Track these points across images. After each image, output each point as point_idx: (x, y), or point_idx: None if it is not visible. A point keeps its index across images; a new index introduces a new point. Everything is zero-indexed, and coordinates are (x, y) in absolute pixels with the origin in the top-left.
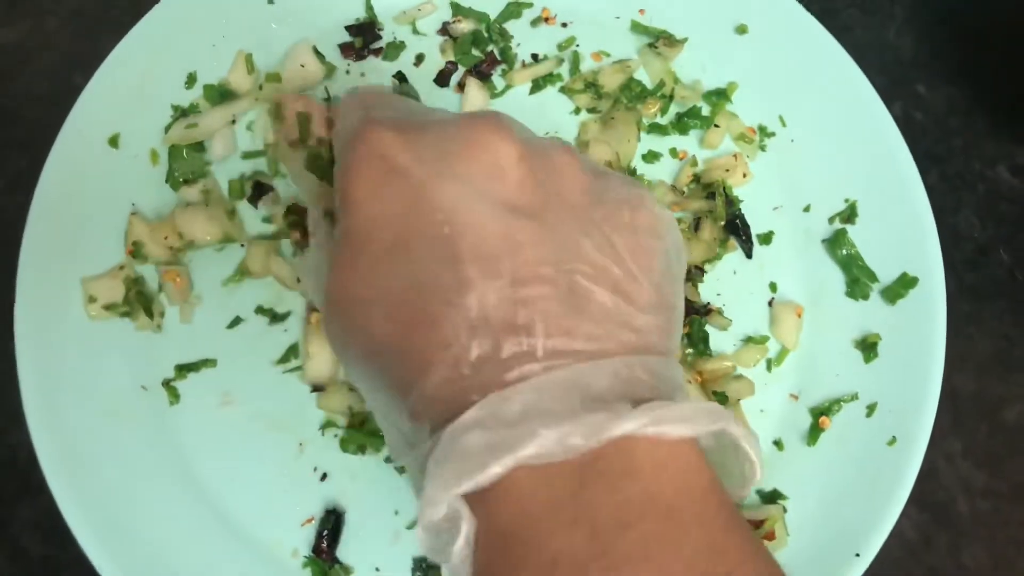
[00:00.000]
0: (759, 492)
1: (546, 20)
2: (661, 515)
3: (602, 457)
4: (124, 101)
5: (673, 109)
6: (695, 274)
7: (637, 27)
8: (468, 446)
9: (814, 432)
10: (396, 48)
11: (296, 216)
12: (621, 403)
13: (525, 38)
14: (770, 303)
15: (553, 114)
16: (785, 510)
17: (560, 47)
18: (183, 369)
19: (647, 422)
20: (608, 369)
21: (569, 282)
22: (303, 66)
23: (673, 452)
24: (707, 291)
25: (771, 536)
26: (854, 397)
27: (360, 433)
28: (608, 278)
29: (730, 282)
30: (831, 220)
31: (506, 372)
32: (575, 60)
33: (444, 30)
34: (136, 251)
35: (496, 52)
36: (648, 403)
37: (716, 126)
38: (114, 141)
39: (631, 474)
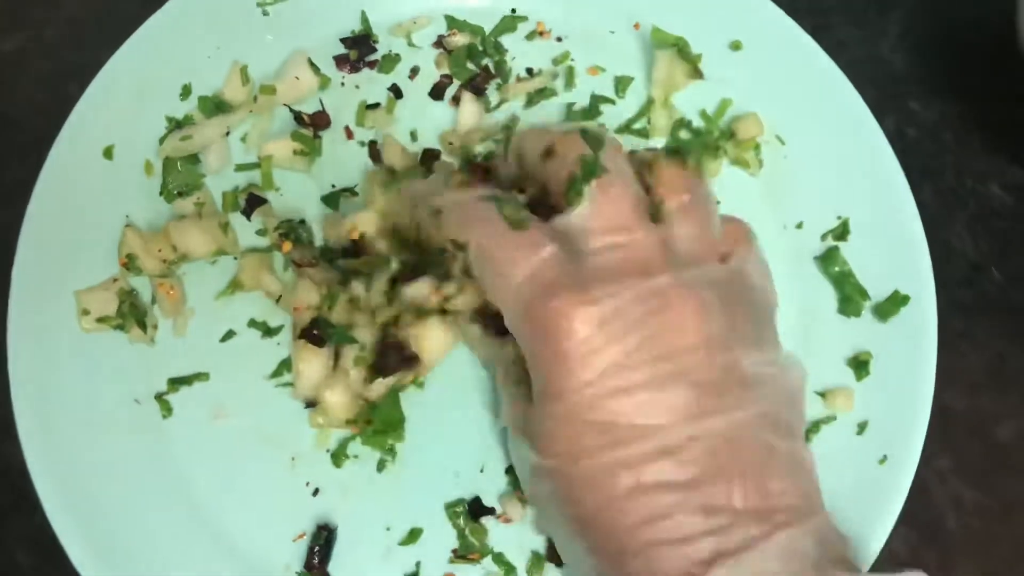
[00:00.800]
0: None
1: (541, 34)
2: None
3: None
4: (119, 112)
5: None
6: None
7: (657, 32)
8: None
9: None
10: (391, 61)
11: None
12: (835, 569)
13: (520, 52)
14: None
15: None
16: None
17: (555, 61)
18: (176, 382)
19: None
20: (812, 532)
21: (756, 441)
22: (298, 78)
23: None
24: None
25: None
26: (832, 418)
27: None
28: (782, 428)
29: None
30: (823, 237)
31: (726, 541)
32: (570, 75)
33: (439, 43)
34: (130, 263)
35: (491, 66)
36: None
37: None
38: (108, 152)
39: None
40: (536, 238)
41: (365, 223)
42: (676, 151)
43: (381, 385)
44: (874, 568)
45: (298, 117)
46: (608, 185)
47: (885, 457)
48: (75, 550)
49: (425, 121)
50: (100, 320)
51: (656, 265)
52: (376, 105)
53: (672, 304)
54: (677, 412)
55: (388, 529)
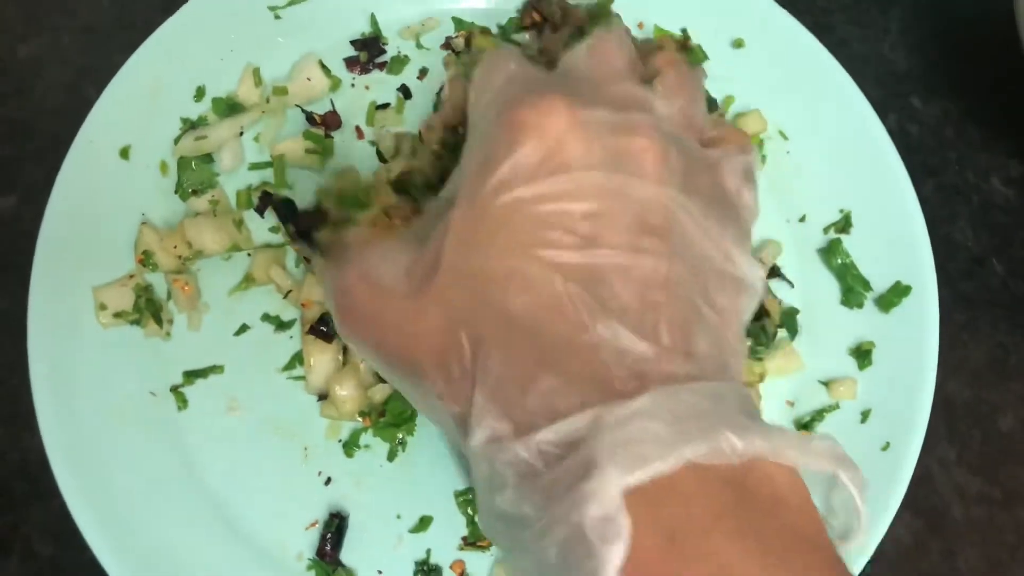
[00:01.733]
0: None
1: None
2: (815, 549)
3: (749, 477)
4: (135, 114)
5: None
6: None
7: (659, 32)
8: (648, 432)
9: None
10: (400, 62)
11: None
12: (764, 425)
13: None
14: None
15: None
16: None
17: None
18: (191, 375)
19: (799, 449)
20: (735, 390)
21: (689, 300)
22: (309, 79)
23: (803, 488)
24: None
25: None
26: (835, 407)
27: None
28: (716, 306)
29: None
30: (826, 230)
31: (648, 370)
32: None
33: (447, 44)
34: (146, 260)
35: None
36: (794, 432)
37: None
38: (125, 153)
39: (780, 502)
40: (534, 62)
41: (324, 195)
42: (684, 43)
43: (383, 389)
44: (876, 558)
45: (310, 117)
46: (606, 36)
47: (888, 444)
48: (93, 538)
49: None
50: (117, 315)
51: (636, 106)
52: (386, 105)
53: (640, 133)
54: (618, 234)
55: (399, 517)
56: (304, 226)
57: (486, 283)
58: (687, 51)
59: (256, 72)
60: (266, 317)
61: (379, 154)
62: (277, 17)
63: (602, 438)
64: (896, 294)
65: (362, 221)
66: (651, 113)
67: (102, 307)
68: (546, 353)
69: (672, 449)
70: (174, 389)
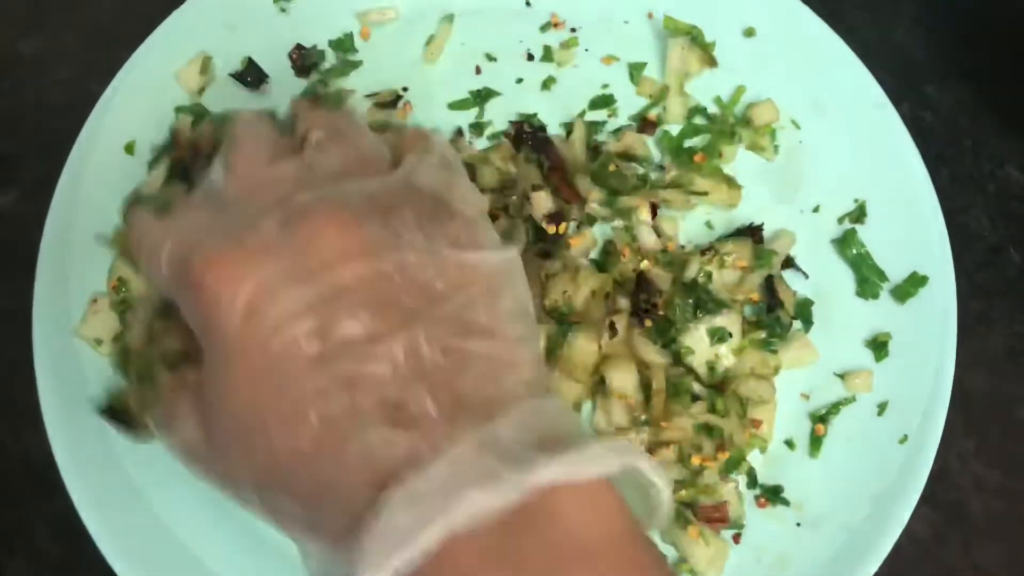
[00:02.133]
0: (762, 486)
1: (555, 26)
2: (584, 560)
3: (527, 505)
4: (140, 109)
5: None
6: None
7: (670, 21)
8: (394, 523)
9: (814, 440)
10: None
11: None
12: (534, 452)
13: (534, 44)
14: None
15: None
16: (786, 502)
17: (564, 46)
18: None
19: (561, 470)
20: (509, 421)
21: (443, 351)
22: None
23: (593, 495)
24: None
25: (724, 517)
26: (851, 400)
27: None
28: (475, 329)
29: None
30: (840, 220)
31: (417, 451)
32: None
33: None
34: (120, 286)
35: None
36: (560, 450)
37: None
38: (130, 148)
39: (555, 520)
40: (180, 212)
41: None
42: (311, 93)
43: None
44: (894, 553)
45: None
46: (235, 137)
47: (906, 437)
48: (100, 535)
49: None
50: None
51: (292, 186)
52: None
53: (309, 215)
54: (346, 335)
55: None
56: (117, 425)
57: (250, 437)
58: (320, 102)
59: None
60: None
61: None
62: (282, 11)
63: (357, 549)
64: (912, 284)
65: (164, 385)
66: (310, 180)
67: (97, 342)
68: (322, 479)
69: (412, 540)
70: None
